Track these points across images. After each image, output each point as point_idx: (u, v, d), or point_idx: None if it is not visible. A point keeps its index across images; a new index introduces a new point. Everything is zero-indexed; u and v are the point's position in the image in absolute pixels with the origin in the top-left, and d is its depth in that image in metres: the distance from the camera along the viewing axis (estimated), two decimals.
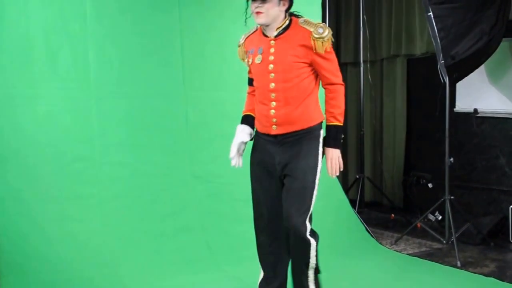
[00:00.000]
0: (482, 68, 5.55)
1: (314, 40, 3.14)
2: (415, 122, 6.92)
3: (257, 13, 3.15)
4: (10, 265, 3.87)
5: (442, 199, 5.16)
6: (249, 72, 3.51)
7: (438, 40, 4.97)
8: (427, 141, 6.73)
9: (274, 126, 3.25)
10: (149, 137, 4.58)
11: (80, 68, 4.34)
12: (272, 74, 3.21)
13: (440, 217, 5.93)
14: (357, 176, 6.91)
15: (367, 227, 5.43)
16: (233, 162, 3.48)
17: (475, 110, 6.01)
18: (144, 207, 4.47)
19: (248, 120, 3.49)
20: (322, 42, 3.14)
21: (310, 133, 3.28)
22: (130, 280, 4.07)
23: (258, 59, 3.25)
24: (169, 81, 4.72)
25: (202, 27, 4.87)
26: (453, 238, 4.91)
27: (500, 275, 4.35)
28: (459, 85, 5.92)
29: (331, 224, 5.04)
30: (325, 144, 3.31)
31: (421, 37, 6.54)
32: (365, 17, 6.64)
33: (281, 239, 3.41)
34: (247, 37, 3.44)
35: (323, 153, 3.32)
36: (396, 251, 5.10)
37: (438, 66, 5.06)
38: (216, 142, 4.83)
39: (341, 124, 3.33)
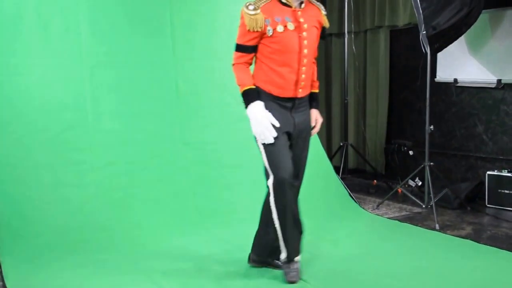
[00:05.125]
0: (462, 39, 5.61)
1: (323, 16, 3.59)
2: (397, 91, 6.99)
3: None
4: (8, 229, 3.99)
5: (422, 166, 5.25)
6: (253, 39, 3.39)
7: (420, 11, 5.03)
8: (408, 110, 6.83)
9: (300, 89, 3.49)
10: (140, 105, 4.65)
11: (72, 38, 4.40)
12: (306, 41, 3.41)
13: (420, 183, 6.05)
14: (341, 144, 7.01)
15: (350, 193, 5.54)
16: (274, 135, 3.37)
17: (455, 80, 6.10)
18: (136, 173, 4.56)
19: (259, 95, 3.42)
20: (326, 18, 3.61)
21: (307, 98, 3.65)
22: (124, 243, 4.17)
23: (291, 26, 3.36)
24: (159, 50, 4.77)
25: None
26: (432, 203, 5.02)
27: (476, 237, 4.48)
28: (440, 56, 6.01)
29: (316, 189, 5.13)
30: (314, 107, 3.71)
31: (404, 8, 6.58)
32: None
33: None
34: (262, 6, 3.35)
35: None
36: (378, 215, 5.20)
37: (420, 36, 5.12)
38: (206, 110, 4.94)
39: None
